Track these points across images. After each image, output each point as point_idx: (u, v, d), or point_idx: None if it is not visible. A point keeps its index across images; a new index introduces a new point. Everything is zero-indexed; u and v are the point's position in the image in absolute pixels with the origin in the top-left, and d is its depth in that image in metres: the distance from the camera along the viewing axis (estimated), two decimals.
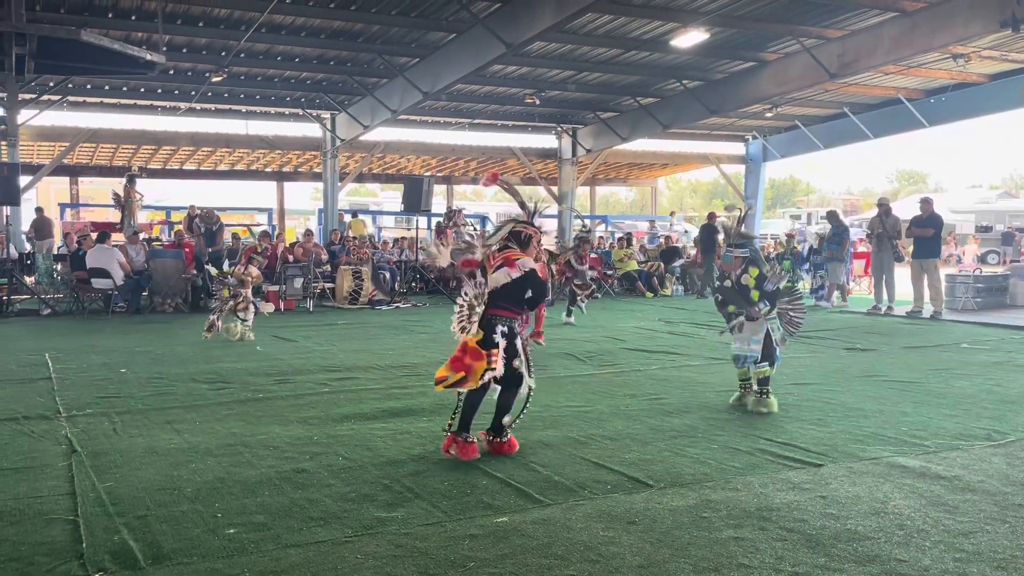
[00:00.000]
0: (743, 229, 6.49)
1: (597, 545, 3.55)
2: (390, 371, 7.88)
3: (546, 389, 6.93)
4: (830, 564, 3.35)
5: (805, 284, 16.46)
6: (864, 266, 17.94)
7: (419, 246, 16.96)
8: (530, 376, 5.07)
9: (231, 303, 9.94)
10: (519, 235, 4.97)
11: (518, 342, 4.95)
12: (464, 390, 4.87)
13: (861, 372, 7.88)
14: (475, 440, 4.91)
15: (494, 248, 4.94)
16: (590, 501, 4.11)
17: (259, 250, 11.16)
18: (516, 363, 4.92)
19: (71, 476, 4.48)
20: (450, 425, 4.95)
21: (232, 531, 3.69)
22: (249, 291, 10.15)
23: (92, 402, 6.37)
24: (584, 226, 12.30)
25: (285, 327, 11.35)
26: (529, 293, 4.87)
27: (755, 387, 6.23)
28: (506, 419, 4.95)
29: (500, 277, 4.78)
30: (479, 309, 4.86)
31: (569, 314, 11.87)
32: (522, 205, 5.07)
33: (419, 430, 5.52)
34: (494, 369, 4.82)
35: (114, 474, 4.51)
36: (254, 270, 10.33)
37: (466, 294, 4.90)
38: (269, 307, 13.56)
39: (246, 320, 10.03)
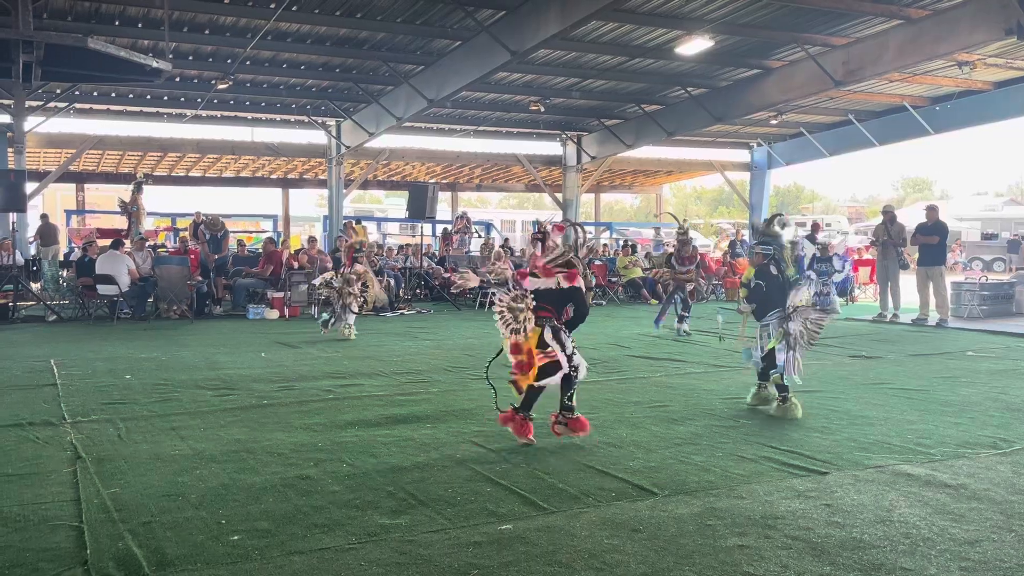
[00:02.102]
0: (773, 228, 6.58)
1: (601, 553, 3.54)
2: (394, 378, 7.88)
3: (549, 396, 6.92)
4: (835, 573, 3.34)
5: (809, 289, 16.41)
6: (869, 273, 17.90)
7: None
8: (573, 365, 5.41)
9: (341, 301, 10.67)
10: (570, 264, 5.36)
11: (563, 335, 5.32)
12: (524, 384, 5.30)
13: (866, 380, 7.86)
14: (532, 420, 5.35)
15: (548, 259, 5.36)
16: (594, 508, 4.11)
17: (359, 249, 11.67)
18: (568, 351, 5.29)
19: (76, 482, 4.48)
20: (496, 404, 5.44)
21: (236, 538, 3.69)
22: (356, 288, 10.78)
23: (97, 408, 6.38)
24: (681, 226, 11.54)
25: (290, 333, 11.37)
26: (572, 307, 5.35)
27: (775, 393, 6.42)
28: (574, 398, 5.40)
29: (560, 280, 5.25)
30: (525, 310, 5.22)
31: (681, 320, 11.35)
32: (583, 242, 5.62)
33: (423, 437, 5.52)
34: (547, 363, 5.23)
35: (119, 480, 4.51)
36: (359, 267, 10.91)
37: (501, 300, 5.30)
38: (273, 314, 13.68)
39: (349, 318, 10.73)
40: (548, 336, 5.24)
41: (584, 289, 5.44)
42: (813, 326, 6.26)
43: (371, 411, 6.34)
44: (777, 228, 6.56)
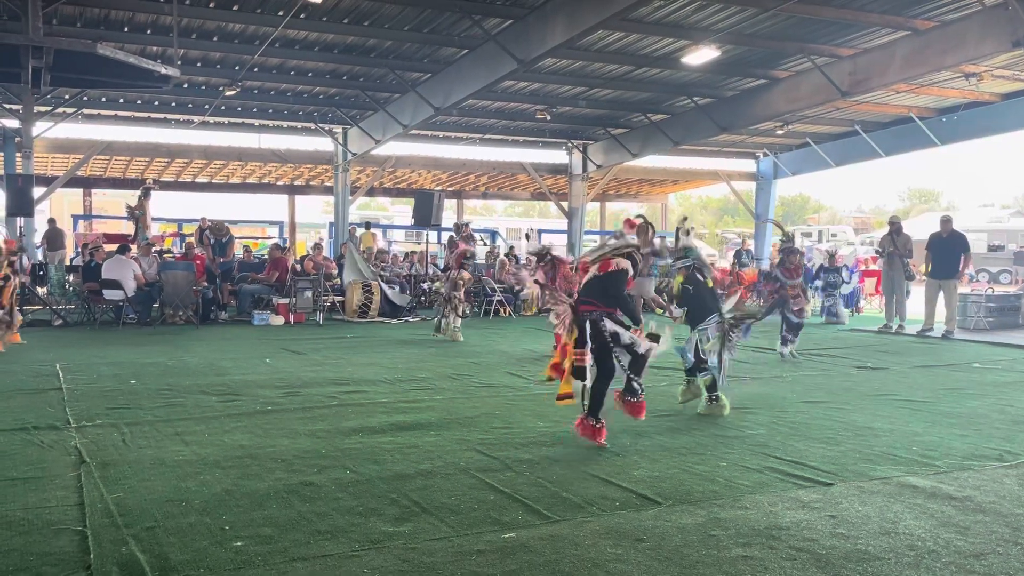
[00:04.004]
0: (685, 242, 6.83)
1: (605, 562, 3.53)
2: (398, 385, 7.88)
3: (554, 404, 6.91)
4: None
5: (815, 301, 16.40)
6: (875, 284, 17.86)
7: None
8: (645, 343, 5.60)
9: (449, 305, 11.30)
10: (631, 256, 5.61)
11: (607, 324, 5.47)
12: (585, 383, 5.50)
13: (872, 391, 7.83)
14: (603, 425, 5.50)
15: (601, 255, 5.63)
16: (598, 518, 4.10)
17: (468, 256, 12.15)
18: (625, 339, 5.52)
19: (80, 487, 4.49)
20: (585, 407, 5.59)
21: (239, 543, 3.69)
22: (462, 293, 11.45)
23: (102, 413, 6.39)
24: (786, 235, 10.37)
25: (295, 340, 11.38)
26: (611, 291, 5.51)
27: (704, 393, 6.67)
28: (636, 383, 5.65)
29: (591, 274, 5.53)
30: (562, 309, 5.52)
31: (784, 343, 9.96)
32: (651, 243, 5.91)
33: (427, 444, 5.52)
34: (583, 366, 5.43)
35: (123, 485, 4.52)
36: (466, 274, 11.59)
37: (561, 301, 5.58)
38: (279, 320, 13.70)
39: (456, 321, 11.33)
40: (587, 332, 5.45)
41: (624, 274, 5.53)
42: (734, 332, 6.72)
43: (375, 418, 6.34)
44: (683, 236, 6.83)
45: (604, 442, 5.46)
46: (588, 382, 5.51)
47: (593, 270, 5.56)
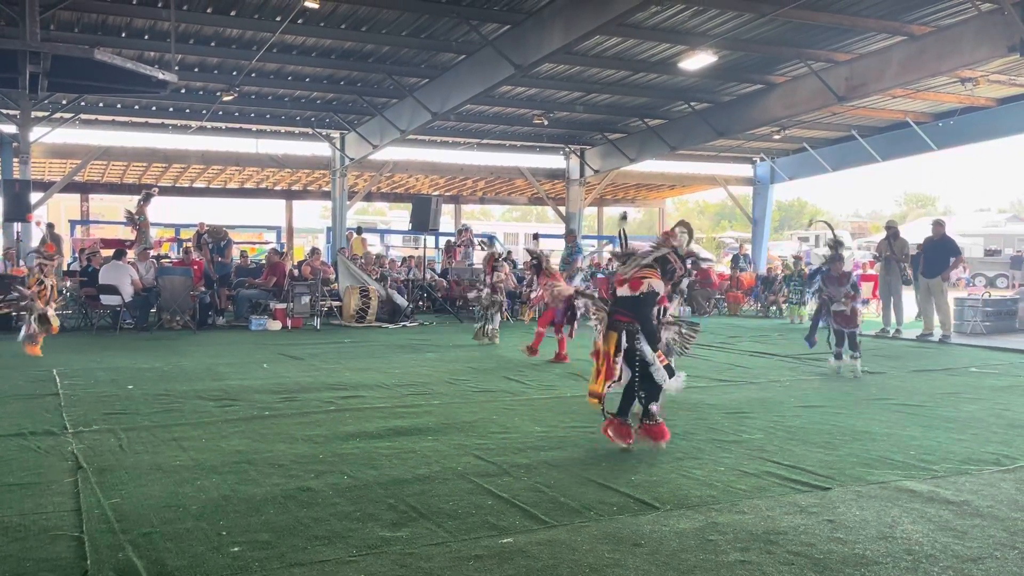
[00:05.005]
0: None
1: (603, 567, 3.53)
2: (396, 390, 7.87)
3: (552, 409, 6.92)
4: None
5: (812, 304, 16.39)
6: (872, 289, 17.87)
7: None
8: (665, 370, 5.63)
9: (491, 309, 11.53)
10: (666, 263, 5.65)
11: (641, 339, 5.53)
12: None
13: (869, 395, 7.84)
14: (631, 424, 5.61)
15: (642, 263, 5.64)
16: (596, 522, 4.10)
17: (498, 257, 12.38)
18: (648, 357, 5.52)
19: (76, 492, 4.48)
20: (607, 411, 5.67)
21: (237, 549, 3.68)
22: (500, 295, 11.65)
23: (99, 418, 6.37)
24: (836, 240, 9.70)
25: (292, 345, 11.37)
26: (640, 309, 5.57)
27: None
28: (653, 406, 5.60)
29: (624, 291, 5.60)
30: (602, 317, 5.66)
31: (838, 356, 9.19)
32: (689, 246, 5.88)
33: (424, 449, 5.52)
34: (614, 374, 5.55)
35: (119, 491, 4.50)
36: (501, 275, 11.83)
37: (594, 313, 5.78)
38: (276, 325, 13.69)
39: (495, 322, 11.61)
40: (623, 341, 5.52)
41: (654, 296, 5.58)
42: (687, 334, 6.53)
43: (372, 423, 6.33)
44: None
45: (632, 443, 5.54)
46: (621, 386, 5.64)
47: (626, 287, 5.58)
